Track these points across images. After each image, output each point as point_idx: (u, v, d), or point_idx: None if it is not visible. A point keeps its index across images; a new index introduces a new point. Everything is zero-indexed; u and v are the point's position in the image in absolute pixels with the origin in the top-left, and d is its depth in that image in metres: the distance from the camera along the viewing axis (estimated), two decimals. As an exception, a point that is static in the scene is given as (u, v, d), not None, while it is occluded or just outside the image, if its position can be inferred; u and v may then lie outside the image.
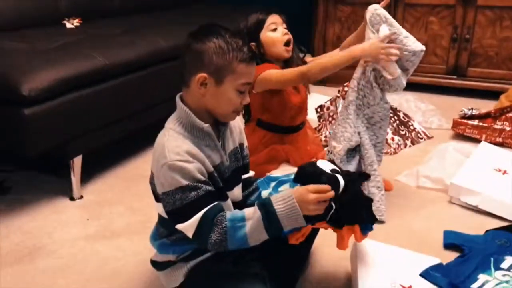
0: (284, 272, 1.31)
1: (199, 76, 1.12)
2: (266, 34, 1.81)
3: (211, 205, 1.10)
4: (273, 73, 1.74)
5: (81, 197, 1.94)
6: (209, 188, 1.11)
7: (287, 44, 1.82)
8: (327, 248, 1.52)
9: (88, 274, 1.48)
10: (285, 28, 1.83)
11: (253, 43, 1.79)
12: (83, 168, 1.96)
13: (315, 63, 1.74)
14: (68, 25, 2.55)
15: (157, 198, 1.19)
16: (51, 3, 2.63)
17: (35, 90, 1.66)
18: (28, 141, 1.70)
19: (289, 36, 1.82)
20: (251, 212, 1.09)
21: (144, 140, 2.42)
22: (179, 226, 1.10)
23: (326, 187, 1.11)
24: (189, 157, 1.09)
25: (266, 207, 1.08)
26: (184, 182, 1.07)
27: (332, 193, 1.10)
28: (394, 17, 3.24)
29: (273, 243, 1.15)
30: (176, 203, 1.09)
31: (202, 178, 1.10)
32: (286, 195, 1.09)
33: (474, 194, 1.80)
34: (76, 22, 2.59)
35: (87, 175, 2.06)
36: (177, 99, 1.19)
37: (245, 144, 1.33)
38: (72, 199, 1.92)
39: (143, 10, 3.27)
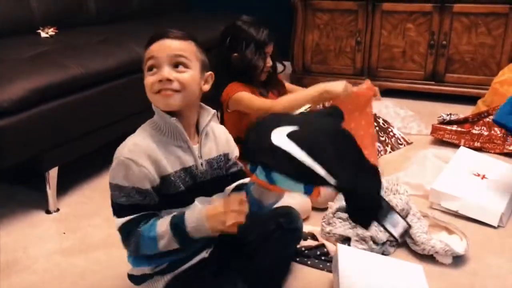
0: (265, 284, 1.30)
1: None
2: None
3: (133, 216, 1.11)
4: (245, 96, 1.80)
5: (57, 210, 1.90)
6: (140, 199, 1.10)
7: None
8: (309, 257, 1.50)
9: (64, 289, 1.44)
10: (269, 56, 1.91)
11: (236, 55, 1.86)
12: (59, 180, 1.91)
13: (283, 98, 1.82)
14: (43, 34, 2.50)
15: None
16: (25, 11, 2.58)
17: (8, 101, 1.62)
18: (2, 153, 1.65)
19: (267, 64, 1.90)
20: (163, 232, 1.09)
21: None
22: (116, 220, 1.14)
23: (238, 198, 1.07)
24: (142, 158, 1.09)
25: (178, 227, 1.08)
26: (122, 182, 1.09)
27: (244, 208, 1.06)
28: (371, 24, 3.34)
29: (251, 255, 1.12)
30: (112, 196, 1.13)
31: (143, 187, 1.09)
32: (198, 214, 1.09)
33: (454, 199, 1.81)
34: (51, 31, 2.54)
35: (63, 187, 2.02)
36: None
37: (234, 155, 1.29)
38: (48, 212, 1.88)
39: (120, 19, 3.22)
